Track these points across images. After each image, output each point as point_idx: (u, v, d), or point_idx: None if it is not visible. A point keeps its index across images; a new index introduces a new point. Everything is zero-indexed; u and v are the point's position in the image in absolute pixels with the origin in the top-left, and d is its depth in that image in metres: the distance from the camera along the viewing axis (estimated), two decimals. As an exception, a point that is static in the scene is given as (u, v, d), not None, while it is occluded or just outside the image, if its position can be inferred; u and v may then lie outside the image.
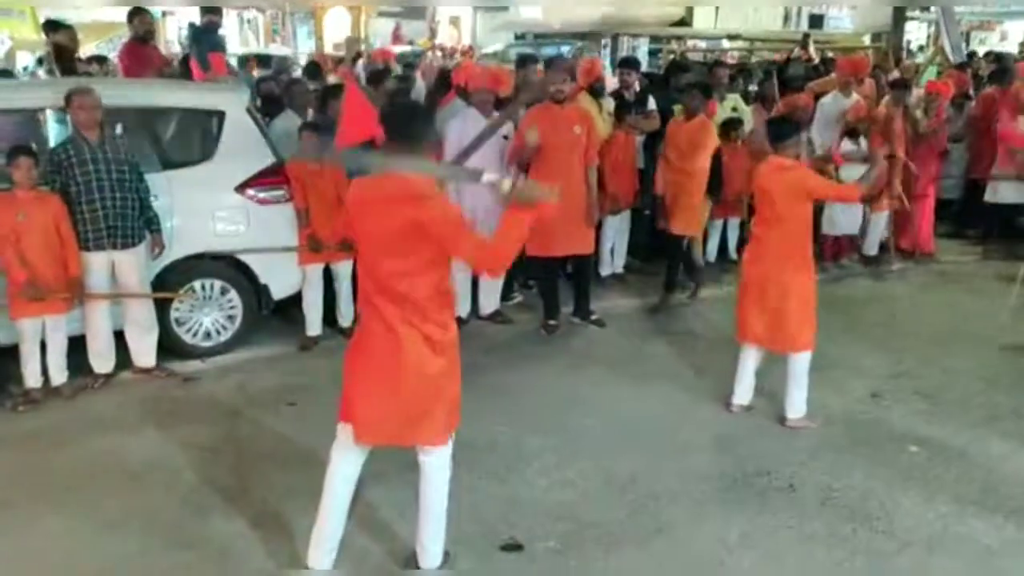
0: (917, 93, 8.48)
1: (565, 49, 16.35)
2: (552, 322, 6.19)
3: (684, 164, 6.32)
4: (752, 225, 4.81)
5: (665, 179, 6.45)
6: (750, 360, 4.82)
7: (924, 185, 7.95)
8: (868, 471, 4.26)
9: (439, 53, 16.85)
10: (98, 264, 4.98)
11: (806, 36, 12.45)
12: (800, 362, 4.63)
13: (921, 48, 17.59)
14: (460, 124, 5.91)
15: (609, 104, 7.32)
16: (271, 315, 5.95)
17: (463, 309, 6.18)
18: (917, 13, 17.43)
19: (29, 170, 4.74)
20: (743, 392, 4.86)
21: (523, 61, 7.25)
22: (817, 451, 4.45)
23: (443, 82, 7.05)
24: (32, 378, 4.94)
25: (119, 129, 5.28)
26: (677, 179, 6.38)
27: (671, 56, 13.70)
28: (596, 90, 6.82)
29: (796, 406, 4.68)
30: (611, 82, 7.79)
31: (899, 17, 14.91)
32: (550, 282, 6.29)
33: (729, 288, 7.20)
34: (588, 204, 5.97)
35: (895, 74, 9.56)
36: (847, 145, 7.32)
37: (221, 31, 9.03)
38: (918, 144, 7.86)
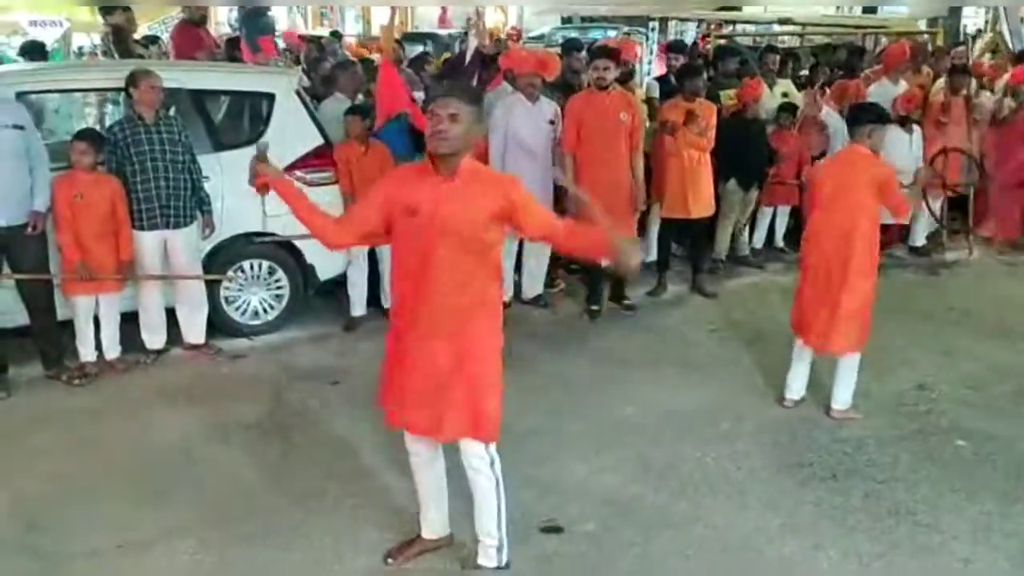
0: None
1: (612, 33, 16.21)
2: (595, 307, 6.19)
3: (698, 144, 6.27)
4: (812, 217, 4.63)
5: (680, 163, 6.27)
6: (807, 354, 4.71)
7: (1012, 171, 7.72)
8: (913, 464, 4.21)
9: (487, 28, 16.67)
10: (151, 243, 5.09)
11: (860, 28, 12.22)
12: (851, 360, 4.54)
13: (979, 32, 17.09)
14: (505, 110, 5.91)
15: (653, 88, 7.26)
16: (316, 295, 6.03)
17: (506, 293, 6.20)
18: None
19: (87, 152, 4.86)
20: (798, 387, 4.76)
21: (568, 49, 7.19)
22: (861, 442, 4.40)
23: (485, 64, 7.00)
24: (86, 353, 5.09)
25: (172, 110, 5.39)
26: (692, 160, 6.27)
27: (701, 40, 13.53)
28: (624, 74, 6.57)
29: (841, 399, 4.61)
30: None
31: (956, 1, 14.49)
32: (593, 268, 6.28)
33: (774, 278, 7.15)
34: (632, 191, 5.94)
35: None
36: (897, 133, 7.18)
37: (270, 13, 9.12)
38: (1001, 130, 7.68)
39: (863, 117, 4.48)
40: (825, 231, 4.47)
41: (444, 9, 26.12)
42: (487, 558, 3.23)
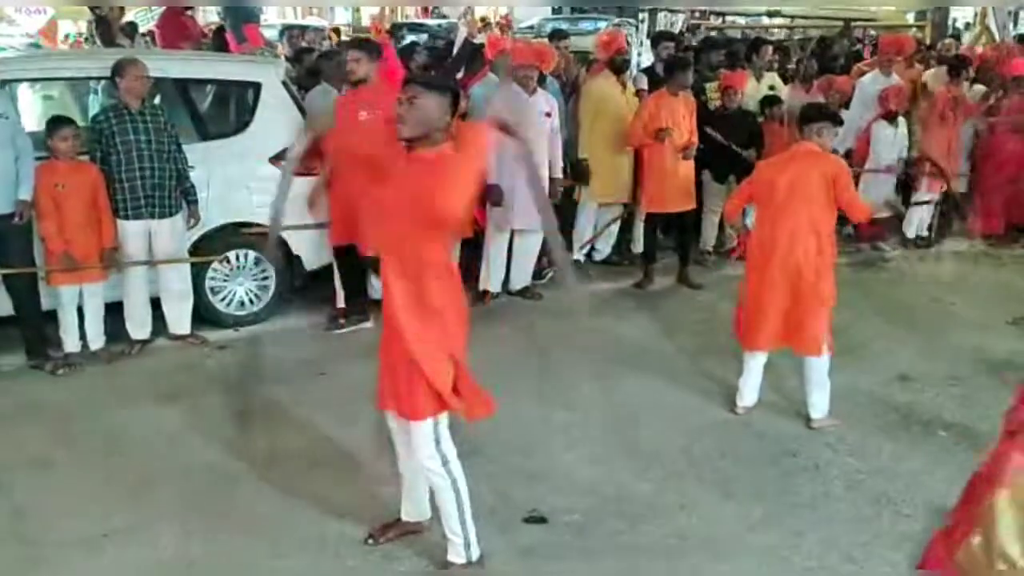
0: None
1: (602, 24, 16.19)
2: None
3: (680, 138, 6.25)
4: (760, 218, 4.50)
5: (660, 158, 6.23)
6: (759, 363, 4.58)
7: (998, 165, 7.69)
8: (895, 454, 4.24)
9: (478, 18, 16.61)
10: (136, 233, 5.07)
11: (847, 22, 12.23)
12: (823, 364, 4.40)
13: (968, 26, 17.16)
14: (501, 101, 5.88)
15: (642, 80, 7.25)
16: (303, 286, 6.02)
17: (495, 284, 6.21)
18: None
19: (69, 140, 4.83)
20: (750, 393, 4.63)
21: (553, 38, 7.18)
22: (844, 433, 4.43)
23: (473, 55, 6.99)
24: (71, 343, 5.07)
25: (157, 99, 5.37)
26: (671, 154, 6.25)
27: (687, 32, 13.58)
28: (618, 65, 6.60)
29: (820, 407, 4.48)
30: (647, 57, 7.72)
31: (945, -5, 14.53)
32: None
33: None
34: None
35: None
36: (884, 128, 7.21)
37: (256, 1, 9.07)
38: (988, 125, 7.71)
39: (814, 115, 4.40)
40: (782, 232, 4.30)
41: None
42: (455, 555, 3.24)
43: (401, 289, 2.98)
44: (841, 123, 4.58)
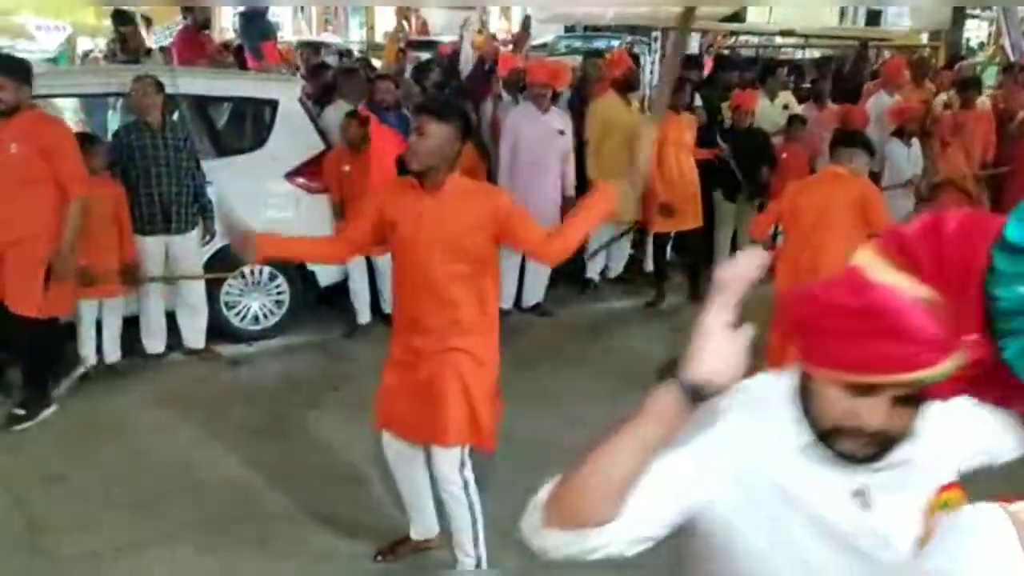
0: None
1: (615, 43, 16.24)
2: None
3: (687, 156, 6.29)
4: (787, 240, 4.48)
5: (668, 178, 6.26)
6: None
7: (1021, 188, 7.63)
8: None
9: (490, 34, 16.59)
10: (152, 248, 5.11)
11: (863, 42, 12.21)
12: None
13: (982, 46, 17.15)
14: (515, 119, 5.91)
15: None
16: (317, 302, 6.05)
17: (506, 301, 6.22)
18: (978, 11, 17.02)
19: (90, 156, 4.87)
20: None
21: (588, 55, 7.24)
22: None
23: (485, 73, 7.01)
24: (87, 356, 5.09)
25: (175, 116, 5.42)
26: (680, 172, 6.29)
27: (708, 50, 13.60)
28: (626, 85, 6.61)
29: None
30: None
31: (959, 15, 14.51)
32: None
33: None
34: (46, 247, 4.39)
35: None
36: (898, 146, 7.18)
37: (273, 18, 9.14)
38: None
39: (849, 140, 4.38)
40: (808, 255, 4.26)
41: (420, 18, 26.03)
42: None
43: (445, 318, 2.99)
44: (874, 153, 4.53)
